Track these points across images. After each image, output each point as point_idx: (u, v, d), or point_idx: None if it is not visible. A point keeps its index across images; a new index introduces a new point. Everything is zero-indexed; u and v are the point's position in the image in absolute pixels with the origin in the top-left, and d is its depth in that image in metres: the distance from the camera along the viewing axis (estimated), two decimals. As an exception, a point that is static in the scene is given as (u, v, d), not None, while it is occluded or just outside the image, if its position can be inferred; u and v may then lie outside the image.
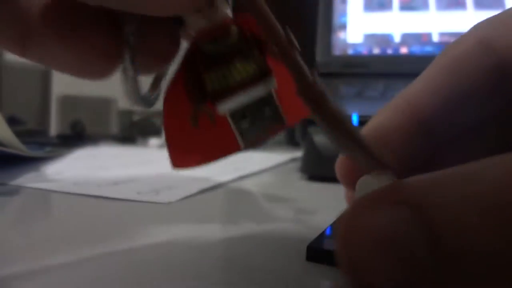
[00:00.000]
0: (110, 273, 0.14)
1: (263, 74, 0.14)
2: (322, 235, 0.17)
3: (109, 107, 1.21)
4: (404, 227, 0.08)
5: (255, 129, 0.15)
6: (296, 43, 0.13)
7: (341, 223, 0.09)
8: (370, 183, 0.15)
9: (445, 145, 0.15)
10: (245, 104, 0.14)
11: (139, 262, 0.15)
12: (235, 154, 0.16)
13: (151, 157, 0.50)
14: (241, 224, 0.20)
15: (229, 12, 0.14)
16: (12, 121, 0.69)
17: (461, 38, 0.15)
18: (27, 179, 0.31)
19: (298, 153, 0.46)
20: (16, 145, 0.37)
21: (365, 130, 0.15)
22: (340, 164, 0.15)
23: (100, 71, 0.14)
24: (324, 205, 0.25)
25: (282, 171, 0.42)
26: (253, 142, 0.15)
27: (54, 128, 0.81)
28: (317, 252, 0.15)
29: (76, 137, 0.72)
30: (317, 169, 0.34)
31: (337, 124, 0.12)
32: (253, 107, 0.14)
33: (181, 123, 0.15)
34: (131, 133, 0.79)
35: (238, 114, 0.14)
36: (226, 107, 0.14)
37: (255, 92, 0.14)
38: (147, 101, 0.15)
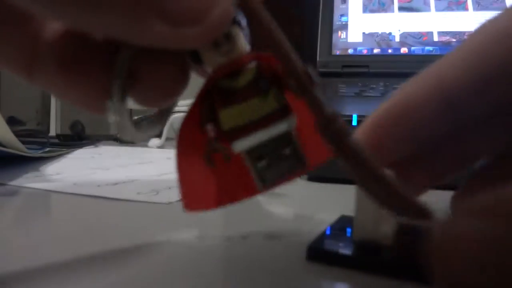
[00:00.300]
0: (110, 273, 0.14)
1: (282, 112, 0.13)
2: (322, 235, 0.17)
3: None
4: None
5: (273, 171, 0.14)
6: (316, 78, 0.12)
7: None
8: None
9: (469, 126, 0.15)
10: (263, 143, 0.13)
11: (139, 262, 0.15)
12: (252, 198, 0.15)
13: (151, 157, 0.50)
14: (241, 224, 0.20)
15: (246, 46, 0.13)
16: (12, 121, 0.69)
17: (499, 14, 0.14)
18: (27, 179, 0.31)
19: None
20: (16, 145, 0.37)
21: (391, 101, 0.15)
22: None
23: (102, 107, 0.13)
24: (324, 205, 0.25)
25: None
26: (272, 185, 0.14)
27: (54, 128, 0.81)
28: (317, 252, 0.15)
29: (76, 137, 0.72)
30: (317, 170, 0.34)
31: (360, 163, 0.12)
32: (271, 147, 0.14)
33: (195, 162, 0.14)
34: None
35: (256, 154, 0.14)
36: (242, 145, 0.13)
37: (273, 131, 0.13)
38: (143, 135, 0.14)
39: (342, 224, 0.18)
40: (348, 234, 0.17)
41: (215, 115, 0.13)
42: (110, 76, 0.12)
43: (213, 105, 0.13)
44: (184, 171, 0.14)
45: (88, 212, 0.23)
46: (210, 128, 0.13)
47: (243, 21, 0.13)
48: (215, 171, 0.14)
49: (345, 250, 0.15)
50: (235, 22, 0.13)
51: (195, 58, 0.13)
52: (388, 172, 0.15)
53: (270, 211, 0.23)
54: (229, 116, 0.13)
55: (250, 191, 0.14)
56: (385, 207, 0.12)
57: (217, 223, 0.20)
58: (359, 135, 0.15)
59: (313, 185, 0.32)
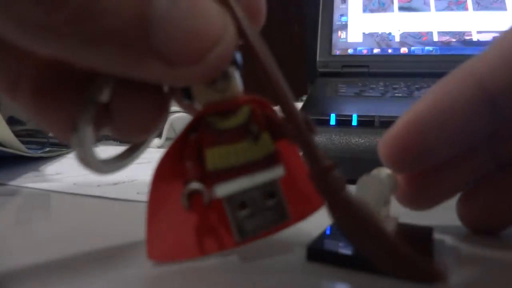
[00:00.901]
0: (110, 273, 0.14)
1: (270, 160, 0.13)
2: (322, 235, 0.17)
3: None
4: None
5: (255, 222, 0.13)
6: (314, 126, 0.12)
7: None
8: (370, 182, 0.16)
9: (509, 123, 0.15)
10: (247, 190, 0.13)
11: (139, 262, 0.15)
12: (227, 250, 0.14)
13: (151, 157, 0.50)
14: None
15: (241, 85, 0.13)
16: (12, 121, 0.68)
17: None
18: (27, 179, 0.31)
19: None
20: (16, 145, 0.37)
21: (427, 103, 0.14)
22: (386, 145, 0.15)
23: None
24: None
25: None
26: (251, 237, 0.13)
27: (54, 128, 0.81)
28: (318, 252, 0.15)
29: (76, 137, 0.71)
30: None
31: (356, 220, 0.11)
32: (255, 196, 0.13)
33: (168, 205, 0.13)
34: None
35: (237, 202, 0.13)
36: (225, 190, 0.13)
37: (259, 178, 0.13)
38: (109, 168, 0.14)
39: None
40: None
41: (199, 154, 0.13)
42: (77, 106, 0.12)
43: (199, 142, 0.13)
44: (154, 214, 0.13)
45: (88, 212, 0.23)
46: (192, 166, 0.13)
47: (239, 59, 0.13)
48: (188, 217, 0.13)
49: (345, 250, 0.15)
50: (232, 60, 0.13)
51: (186, 92, 0.13)
52: (391, 223, 0.14)
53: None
54: (215, 156, 0.12)
55: (224, 243, 0.13)
56: (384, 267, 0.12)
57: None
58: (391, 138, 0.15)
59: (313, 185, 0.32)
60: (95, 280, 0.14)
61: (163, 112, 0.13)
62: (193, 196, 0.13)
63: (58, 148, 0.50)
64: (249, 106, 0.13)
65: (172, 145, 0.13)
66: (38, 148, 0.46)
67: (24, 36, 0.09)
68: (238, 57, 0.13)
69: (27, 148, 0.39)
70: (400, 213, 0.18)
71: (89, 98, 0.12)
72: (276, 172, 0.13)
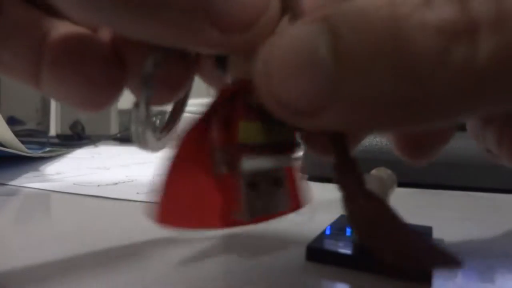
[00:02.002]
0: (110, 272, 0.14)
1: (288, 147, 0.13)
2: (322, 235, 0.17)
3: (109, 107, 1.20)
4: (312, 37, 0.09)
5: (263, 204, 0.13)
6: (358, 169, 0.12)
7: (264, 46, 0.10)
8: (369, 182, 0.16)
9: None
10: (265, 171, 0.13)
11: (139, 262, 0.15)
12: (235, 228, 0.14)
13: (151, 157, 0.50)
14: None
15: None
16: (12, 121, 0.69)
17: None
18: (27, 179, 0.31)
19: (299, 153, 0.46)
20: (16, 145, 0.37)
21: None
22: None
23: (101, 104, 0.13)
24: (324, 205, 0.25)
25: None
26: (258, 218, 0.13)
27: (54, 128, 0.81)
28: (317, 251, 0.15)
29: (76, 137, 0.72)
30: (317, 169, 0.34)
31: (377, 212, 0.12)
32: (268, 179, 0.13)
33: (188, 173, 0.13)
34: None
35: (253, 181, 0.13)
36: (251, 165, 0.13)
37: (280, 161, 0.13)
38: (162, 144, 0.14)
39: (342, 224, 0.18)
40: (348, 234, 0.17)
41: (229, 126, 0.13)
42: (135, 83, 0.12)
43: (229, 114, 0.13)
44: (175, 179, 0.12)
45: (88, 212, 0.23)
46: (221, 135, 0.13)
47: None
48: (203, 190, 0.13)
49: (345, 250, 0.15)
50: None
51: (220, 63, 0.13)
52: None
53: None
54: (248, 130, 0.12)
55: (235, 220, 0.13)
56: (400, 260, 0.12)
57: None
58: None
59: (313, 185, 0.32)
60: (95, 280, 0.14)
61: (191, 75, 0.14)
62: (221, 164, 0.13)
63: (58, 148, 0.50)
64: None
65: (202, 117, 0.13)
66: (38, 148, 0.46)
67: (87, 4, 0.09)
68: None
69: (27, 148, 0.39)
70: (400, 212, 0.18)
71: (147, 74, 0.12)
72: (292, 159, 0.14)
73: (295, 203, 0.14)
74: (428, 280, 0.13)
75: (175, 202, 0.13)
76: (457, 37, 0.08)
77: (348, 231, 0.17)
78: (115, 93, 0.13)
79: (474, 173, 0.30)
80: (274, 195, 0.13)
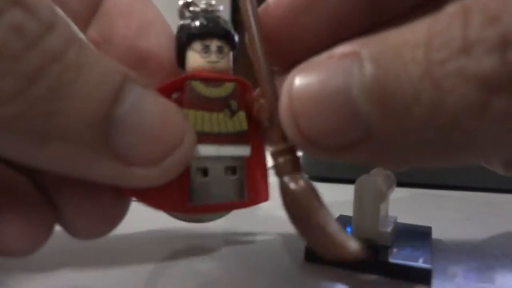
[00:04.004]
0: (110, 272, 0.14)
1: (240, 138, 0.13)
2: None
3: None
4: (344, 74, 0.09)
5: (211, 192, 0.13)
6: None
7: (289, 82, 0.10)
8: (368, 182, 0.16)
9: (384, 23, 0.14)
10: (211, 159, 0.13)
11: (139, 262, 0.15)
12: (178, 213, 0.14)
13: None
14: (240, 224, 0.20)
15: (231, 66, 0.14)
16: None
17: None
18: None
19: (298, 153, 0.46)
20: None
21: None
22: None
23: (34, 244, 0.12)
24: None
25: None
26: (203, 207, 0.13)
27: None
28: (315, 252, 0.15)
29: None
30: (317, 169, 0.34)
31: (293, 203, 0.12)
32: (217, 167, 0.13)
33: None
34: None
35: (200, 168, 0.13)
36: (196, 151, 0.13)
37: (226, 151, 0.13)
38: None
39: (340, 224, 0.18)
40: (347, 234, 0.17)
41: None
42: (65, 219, 0.12)
43: (178, 102, 0.13)
44: None
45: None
46: None
47: (236, 41, 0.14)
48: None
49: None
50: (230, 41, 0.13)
51: (180, 59, 0.13)
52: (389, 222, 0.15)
53: (270, 211, 0.23)
54: (191, 118, 0.13)
55: (177, 205, 0.13)
56: (322, 247, 0.12)
57: (216, 223, 0.20)
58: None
59: (312, 185, 0.32)
60: (96, 280, 0.14)
61: (124, 207, 0.12)
62: None
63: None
64: (234, 84, 0.14)
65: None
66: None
67: None
68: (236, 39, 0.14)
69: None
70: (399, 212, 0.18)
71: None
72: (243, 151, 0.14)
73: (254, 196, 0.14)
74: (427, 280, 0.13)
75: None
76: (498, 90, 0.08)
77: (348, 231, 0.17)
78: (47, 233, 0.12)
79: (473, 173, 0.30)
80: (227, 184, 0.13)
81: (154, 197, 0.13)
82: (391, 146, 0.09)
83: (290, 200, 0.12)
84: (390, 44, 0.09)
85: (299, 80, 0.10)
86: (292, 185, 0.12)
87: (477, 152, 0.09)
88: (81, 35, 0.09)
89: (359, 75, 0.09)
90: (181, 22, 0.13)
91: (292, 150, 0.12)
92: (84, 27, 0.14)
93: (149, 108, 0.10)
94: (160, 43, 0.13)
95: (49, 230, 0.12)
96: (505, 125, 0.08)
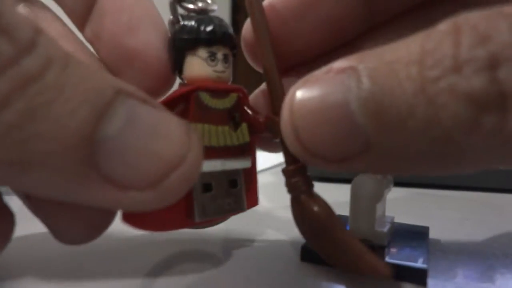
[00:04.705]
0: (110, 272, 0.14)
1: (243, 151, 0.13)
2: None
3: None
4: (342, 88, 0.09)
5: (216, 205, 0.13)
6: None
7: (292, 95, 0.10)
8: (365, 181, 0.15)
9: (380, 26, 0.15)
10: (216, 173, 0.13)
11: (140, 262, 0.15)
12: (185, 228, 0.13)
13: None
14: (238, 224, 0.20)
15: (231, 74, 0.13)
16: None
17: None
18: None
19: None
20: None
21: None
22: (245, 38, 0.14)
23: None
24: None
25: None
26: (209, 221, 0.13)
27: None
28: (312, 252, 0.15)
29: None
30: (316, 170, 0.34)
31: (305, 221, 0.12)
32: (221, 181, 0.13)
33: None
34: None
35: (204, 183, 0.13)
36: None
37: (230, 165, 0.13)
38: None
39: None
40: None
41: None
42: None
43: (183, 114, 0.12)
44: None
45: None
46: None
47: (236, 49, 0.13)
48: None
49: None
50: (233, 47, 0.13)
51: (177, 62, 0.13)
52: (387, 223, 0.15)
53: (269, 210, 0.23)
54: (201, 132, 0.12)
55: (181, 222, 0.13)
56: (344, 264, 0.12)
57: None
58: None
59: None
60: (96, 279, 0.14)
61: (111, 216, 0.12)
62: None
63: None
64: (237, 94, 0.13)
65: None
66: None
67: None
68: (234, 39, 0.13)
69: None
70: (397, 212, 0.18)
71: None
72: (246, 163, 0.14)
73: (250, 202, 0.14)
74: (423, 281, 0.13)
75: None
76: (488, 108, 0.08)
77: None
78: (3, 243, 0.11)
79: (472, 173, 0.30)
80: (229, 197, 0.13)
81: (153, 219, 0.12)
82: (388, 157, 0.09)
83: (311, 218, 0.12)
84: (385, 61, 0.09)
85: (300, 94, 0.10)
86: (313, 204, 0.12)
87: (469, 164, 0.09)
88: (68, 53, 0.08)
89: (356, 90, 0.09)
90: (182, 22, 0.13)
91: (305, 168, 0.13)
92: (81, 26, 0.14)
93: (144, 124, 0.09)
94: (149, 41, 0.13)
95: (7, 239, 0.11)
96: (494, 141, 0.08)
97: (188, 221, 0.13)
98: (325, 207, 0.12)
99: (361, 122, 0.09)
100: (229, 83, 0.13)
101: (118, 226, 0.19)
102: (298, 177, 0.12)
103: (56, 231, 0.11)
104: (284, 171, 0.13)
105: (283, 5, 0.14)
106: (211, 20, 0.13)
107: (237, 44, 0.14)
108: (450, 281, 0.14)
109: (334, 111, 0.09)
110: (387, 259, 0.14)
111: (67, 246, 0.17)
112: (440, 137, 0.08)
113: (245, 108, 0.13)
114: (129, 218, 0.12)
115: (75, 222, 0.11)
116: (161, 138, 0.09)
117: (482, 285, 0.13)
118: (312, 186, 0.13)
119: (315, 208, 0.12)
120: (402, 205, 0.25)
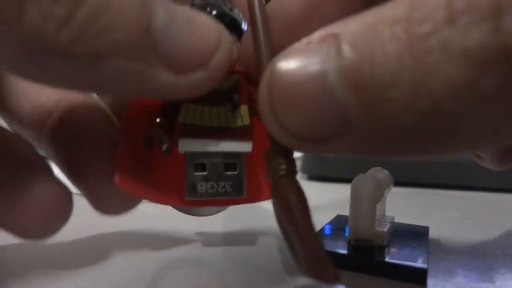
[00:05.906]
0: (110, 272, 0.14)
1: (242, 134, 0.13)
2: (320, 234, 0.17)
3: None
4: (320, 60, 0.08)
5: (208, 187, 0.13)
6: None
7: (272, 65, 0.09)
8: (366, 181, 0.15)
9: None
10: (211, 154, 0.13)
11: (140, 262, 0.15)
12: (176, 206, 0.14)
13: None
14: (240, 223, 0.20)
15: (236, 55, 0.13)
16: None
17: None
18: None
19: (298, 153, 0.46)
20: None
21: None
22: None
23: (45, 232, 0.12)
24: (323, 205, 0.25)
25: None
26: (200, 201, 0.13)
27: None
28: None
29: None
30: (317, 169, 0.34)
31: (282, 208, 0.11)
32: (216, 162, 0.13)
33: (137, 140, 0.13)
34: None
35: (199, 162, 0.13)
36: (189, 146, 0.13)
37: (226, 147, 0.13)
38: None
39: (338, 224, 0.18)
40: (346, 234, 0.17)
41: (175, 106, 0.13)
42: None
43: None
44: (125, 146, 0.13)
45: (88, 212, 0.23)
46: (163, 113, 0.13)
47: (244, 27, 0.13)
48: (152, 164, 0.13)
49: (342, 250, 0.15)
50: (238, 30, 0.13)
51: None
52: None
53: (269, 210, 0.23)
54: (190, 111, 0.12)
55: (174, 198, 0.13)
56: (298, 261, 0.11)
57: (216, 222, 0.20)
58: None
59: (312, 185, 0.32)
60: (96, 279, 0.14)
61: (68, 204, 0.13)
62: (156, 141, 0.13)
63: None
64: (238, 76, 0.13)
65: None
66: (38, 148, 0.46)
67: (32, 60, 0.09)
68: (243, 25, 0.13)
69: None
70: (397, 212, 0.18)
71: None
72: (244, 147, 0.13)
73: (255, 194, 0.14)
74: (423, 280, 0.13)
75: (127, 168, 0.13)
76: (488, 66, 0.07)
77: (346, 231, 0.17)
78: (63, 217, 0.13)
79: (472, 172, 0.30)
80: (224, 180, 0.13)
81: (151, 190, 0.13)
82: (372, 135, 0.08)
83: (280, 207, 0.11)
84: (368, 24, 0.08)
85: (277, 67, 0.09)
86: (287, 190, 0.11)
87: (464, 141, 0.08)
88: None
89: (335, 59, 0.08)
90: (193, 5, 0.13)
91: (288, 150, 0.11)
92: None
93: (182, 15, 0.10)
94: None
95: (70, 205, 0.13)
96: (496, 107, 0.07)
97: (179, 198, 0.13)
98: (300, 196, 0.11)
99: (341, 96, 0.08)
100: (236, 65, 0.13)
101: (117, 228, 0.20)
102: (279, 159, 0.11)
103: (95, 200, 0.13)
104: (265, 153, 0.12)
105: (287, 7, 0.13)
106: (220, 5, 0.13)
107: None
108: (450, 281, 0.14)
109: (311, 84, 0.08)
110: (387, 259, 0.14)
111: (66, 246, 0.17)
112: (429, 109, 0.07)
113: (246, 90, 0.13)
114: (124, 183, 0.12)
115: (113, 191, 0.12)
116: (199, 25, 0.10)
117: (482, 285, 0.13)
118: (295, 171, 0.11)
119: (288, 195, 0.11)
120: (402, 205, 0.25)
